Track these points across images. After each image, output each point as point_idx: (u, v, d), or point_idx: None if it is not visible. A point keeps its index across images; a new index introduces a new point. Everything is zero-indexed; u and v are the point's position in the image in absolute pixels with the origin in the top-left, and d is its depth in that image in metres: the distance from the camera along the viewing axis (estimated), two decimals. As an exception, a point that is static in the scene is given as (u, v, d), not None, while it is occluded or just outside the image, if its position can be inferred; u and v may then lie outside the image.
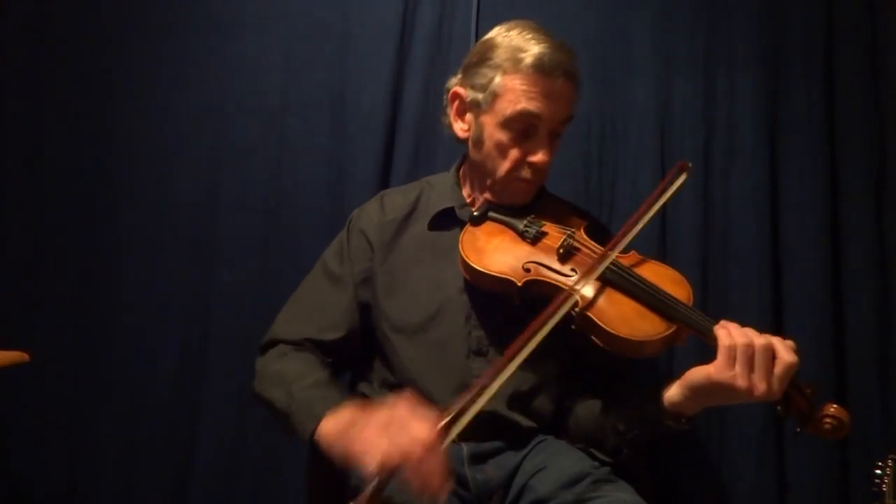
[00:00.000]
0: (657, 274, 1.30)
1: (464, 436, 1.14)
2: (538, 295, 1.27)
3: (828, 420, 1.18)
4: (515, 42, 1.34)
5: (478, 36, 1.82)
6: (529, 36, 1.34)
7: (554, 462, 1.31)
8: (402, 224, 1.46)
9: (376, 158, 1.86)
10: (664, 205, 1.41)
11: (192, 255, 1.88)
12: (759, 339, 1.15)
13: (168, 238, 1.88)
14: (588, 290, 1.25)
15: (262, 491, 1.82)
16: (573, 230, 1.36)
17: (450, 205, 1.44)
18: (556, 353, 1.29)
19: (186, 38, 1.91)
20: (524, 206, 1.41)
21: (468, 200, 1.47)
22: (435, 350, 1.36)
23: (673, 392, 1.22)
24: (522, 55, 1.31)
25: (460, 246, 1.35)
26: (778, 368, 1.14)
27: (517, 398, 1.34)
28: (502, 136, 1.35)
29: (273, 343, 1.42)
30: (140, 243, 1.88)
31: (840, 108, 1.83)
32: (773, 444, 1.73)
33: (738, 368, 1.13)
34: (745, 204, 1.82)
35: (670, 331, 1.22)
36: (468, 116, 1.41)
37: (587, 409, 1.36)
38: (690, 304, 1.26)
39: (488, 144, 1.37)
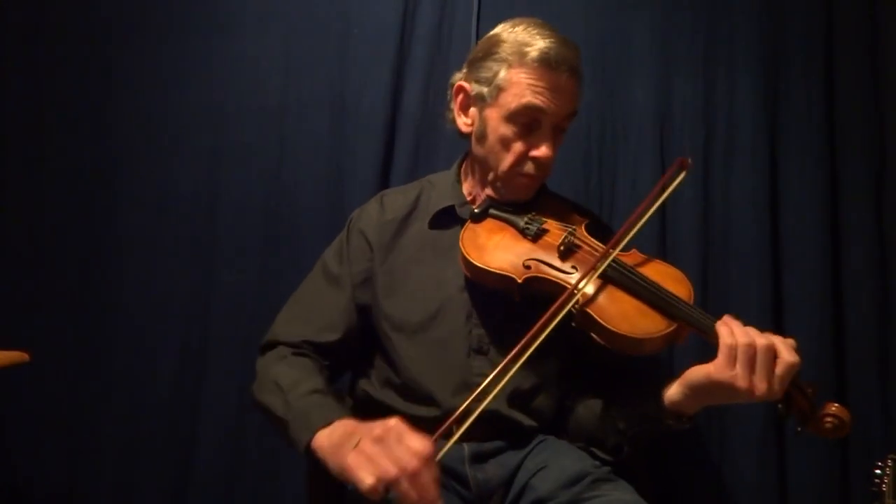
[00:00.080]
0: (658, 272, 1.30)
1: (465, 435, 1.15)
2: (538, 292, 1.27)
3: (829, 419, 1.18)
4: (521, 37, 1.34)
5: (478, 36, 1.82)
6: (535, 31, 1.34)
7: (555, 461, 1.31)
8: (402, 223, 1.46)
9: (376, 158, 1.86)
10: (664, 202, 1.41)
11: (192, 255, 1.88)
12: (761, 339, 1.14)
13: (168, 238, 1.88)
14: (589, 288, 1.25)
15: (262, 491, 1.82)
16: (574, 227, 1.36)
17: (450, 203, 1.44)
18: (556, 351, 1.29)
19: (186, 38, 1.91)
20: (525, 203, 1.41)
21: (469, 198, 1.46)
22: (436, 349, 1.36)
23: (673, 391, 1.22)
24: (528, 49, 1.31)
25: (461, 243, 1.34)
26: (779, 369, 1.13)
27: (518, 397, 1.34)
28: (506, 130, 1.35)
29: (272, 344, 1.42)
30: (140, 243, 1.88)
31: (840, 108, 1.83)
32: (773, 444, 1.73)
33: (739, 369, 1.13)
34: (745, 204, 1.82)
35: (671, 328, 1.22)
36: (472, 111, 1.41)
37: (588, 408, 1.36)
38: (691, 302, 1.25)
39: (492, 138, 1.37)
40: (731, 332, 1.15)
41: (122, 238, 1.88)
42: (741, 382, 1.13)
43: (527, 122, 1.34)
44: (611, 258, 1.27)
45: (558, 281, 1.27)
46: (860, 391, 1.75)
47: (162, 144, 1.90)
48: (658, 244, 1.80)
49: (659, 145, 1.85)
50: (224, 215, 1.88)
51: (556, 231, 1.36)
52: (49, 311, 1.86)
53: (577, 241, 1.33)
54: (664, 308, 1.23)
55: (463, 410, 1.14)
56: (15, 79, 1.90)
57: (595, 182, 1.85)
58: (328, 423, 1.16)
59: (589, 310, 1.23)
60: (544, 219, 1.38)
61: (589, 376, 1.38)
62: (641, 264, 1.32)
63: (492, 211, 1.39)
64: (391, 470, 1.01)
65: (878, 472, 1.30)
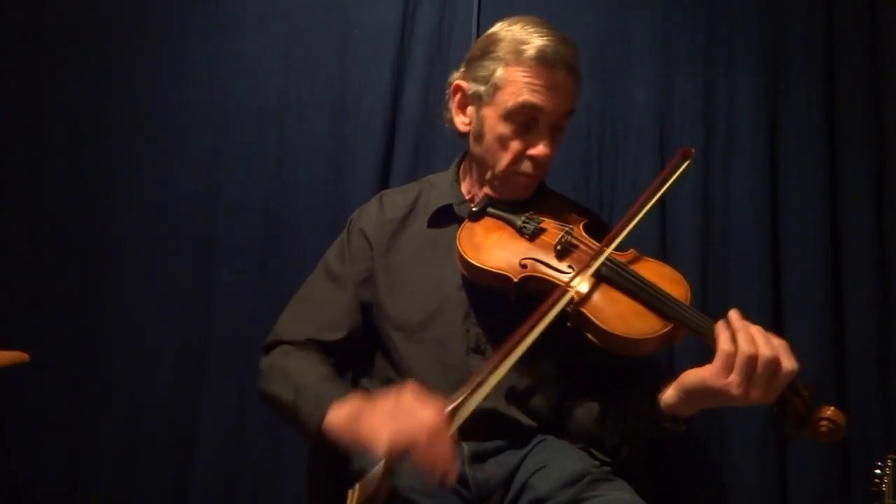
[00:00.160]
0: (655, 272, 1.29)
1: (465, 435, 1.15)
2: (535, 291, 1.27)
3: (824, 423, 1.14)
4: (518, 35, 1.33)
5: (478, 36, 1.81)
6: (532, 29, 1.34)
7: (554, 461, 1.30)
8: (402, 223, 1.46)
9: (376, 158, 1.86)
10: (664, 194, 1.40)
11: (192, 255, 1.88)
12: (765, 351, 1.09)
13: (168, 238, 1.88)
14: (584, 287, 1.25)
15: (262, 491, 1.82)
16: (572, 227, 1.36)
17: (448, 202, 1.44)
18: (553, 352, 1.29)
19: (186, 38, 1.92)
20: (524, 202, 1.41)
21: (467, 197, 1.46)
22: (434, 348, 1.36)
23: (669, 394, 1.20)
24: (525, 47, 1.31)
25: (458, 241, 1.34)
26: (777, 379, 1.10)
27: (515, 396, 1.33)
28: (504, 128, 1.34)
29: (276, 344, 1.42)
30: (140, 243, 1.88)
31: (840, 108, 1.83)
32: (773, 444, 1.73)
33: (735, 377, 1.09)
34: (745, 204, 1.82)
35: (666, 329, 1.21)
36: (469, 110, 1.41)
37: (586, 409, 1.36)
38: (688, 303, 1.24)
39: (489, 137, 1.36)
40: (732, 337, 1.11)
41: (122, 238, 1.89)
42: (736, 390, 1.10)
43: (524, 120, 1.33)
44: (606, 254, 1.27)
45: (554, 280, 1.26)
46: (860, 391, 1.75)
47: (162, 144, 1.90)
48: (658, 244, 1.80)
49: (659, 145, 1.85)
50: (224, 215, 1.88)
51: (553, 230, 1.35)
52: (49, 311, 1.87)
53: (574, 241, 1.33)
54: (660, 309, 1.22)
55: (458, 405, 1.13)
56: (15, 79, 1.91)
57: (595, 182, 1.85)
58: (339, 402, 1.18)
59: (584, 310, 1.22)
60: (542, 218, 1.37)
61: (588, 377, 1.38)
62: (638, 264, 1.32)
63: (489, 210, 1.39)
64: (407, 435, 1.02)
65: (878, 472, 1.30)
